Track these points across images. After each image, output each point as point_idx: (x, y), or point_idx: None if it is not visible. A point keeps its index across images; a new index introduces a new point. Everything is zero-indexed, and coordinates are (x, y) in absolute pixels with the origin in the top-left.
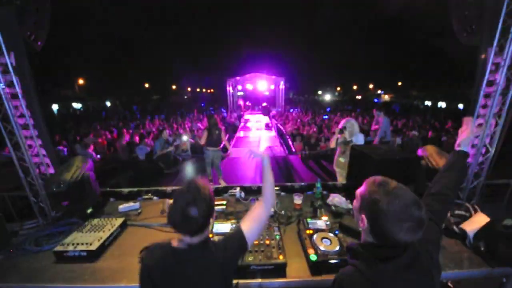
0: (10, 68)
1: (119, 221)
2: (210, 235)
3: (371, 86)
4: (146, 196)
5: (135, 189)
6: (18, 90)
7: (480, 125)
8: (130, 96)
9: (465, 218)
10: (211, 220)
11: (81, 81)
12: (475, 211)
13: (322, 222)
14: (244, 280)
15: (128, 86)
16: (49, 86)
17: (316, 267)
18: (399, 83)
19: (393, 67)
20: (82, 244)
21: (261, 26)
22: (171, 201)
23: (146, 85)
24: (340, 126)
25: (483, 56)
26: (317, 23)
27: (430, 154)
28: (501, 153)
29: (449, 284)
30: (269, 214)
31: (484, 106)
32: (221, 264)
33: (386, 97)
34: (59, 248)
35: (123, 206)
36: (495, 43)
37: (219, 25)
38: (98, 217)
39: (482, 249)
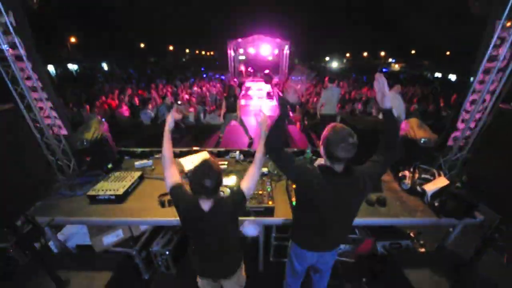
0: (11, 29)
1: (137, 174)
2: None
3: (382, 53)
4: (157, 156)
5: (148, 149)
6: (21, 51)
7: (474, 101)
8: (126, 59)
9: (429, 181)
10: (220, 187)
11: (73, 39)
12: (439, 175)
13: None
14: (243, 218)
15: (123, 47)
16: (41, 44)
17: None
18: (413, 51)
19: (407, 34)
20: (110, 190)
21: None
22: (181, 159)
23: (142, 45)
24: None
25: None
26: None
27: (411, 126)
28: None
29: (411, 234)
30: (260, 173)
31: (481, 82)
32: (230, 213)
33: (397, 67)
34: (91, 192)
35: (138, 163)
36: (504, 16)
37: None
38: (118, 171)
39: (436, 204)
